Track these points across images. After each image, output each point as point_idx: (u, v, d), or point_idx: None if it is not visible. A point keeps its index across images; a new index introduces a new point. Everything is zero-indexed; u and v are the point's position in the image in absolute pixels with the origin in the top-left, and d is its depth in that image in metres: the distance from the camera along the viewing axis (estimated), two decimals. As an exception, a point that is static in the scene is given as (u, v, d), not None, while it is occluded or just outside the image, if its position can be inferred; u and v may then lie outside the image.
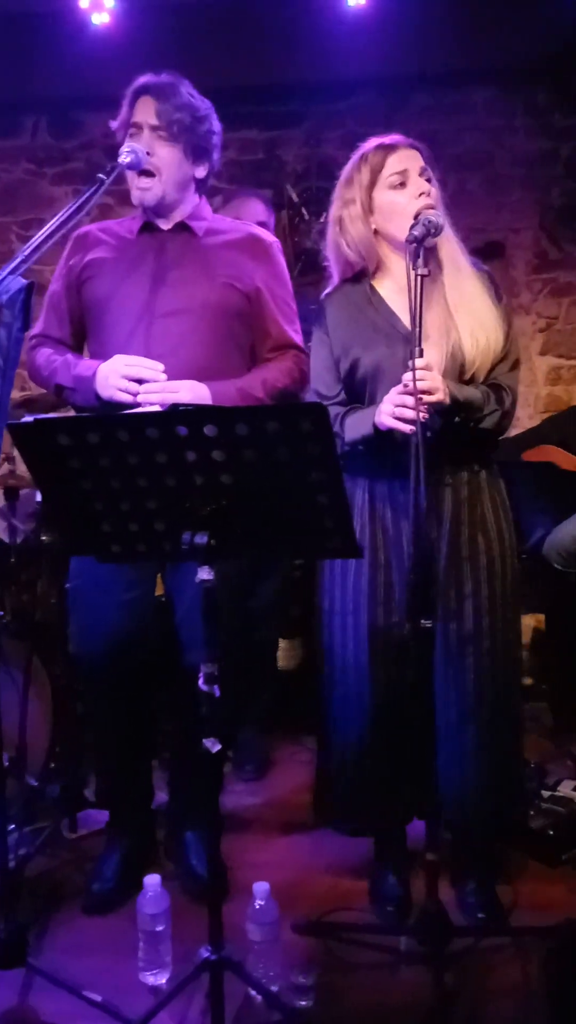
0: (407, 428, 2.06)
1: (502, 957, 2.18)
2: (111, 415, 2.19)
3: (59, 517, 1.94)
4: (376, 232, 2.29)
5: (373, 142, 2.29)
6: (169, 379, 2.28)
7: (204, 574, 1.76)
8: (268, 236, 2.60)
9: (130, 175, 2.38)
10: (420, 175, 2.25)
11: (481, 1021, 2.02)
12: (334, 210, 2.34)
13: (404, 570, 2.26)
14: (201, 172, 2.48)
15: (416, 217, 2.17)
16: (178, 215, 2.47)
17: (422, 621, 2.03)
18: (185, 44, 3.92)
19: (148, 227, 2.48)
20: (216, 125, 2.46)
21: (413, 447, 2.01)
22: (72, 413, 2.64)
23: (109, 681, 2.46)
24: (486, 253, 4.45)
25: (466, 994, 2.07)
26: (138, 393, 2.26)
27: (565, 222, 4.69)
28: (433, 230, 2.14)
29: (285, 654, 3.66)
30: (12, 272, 1.98)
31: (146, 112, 2.38)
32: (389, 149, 2.26)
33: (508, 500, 2.37)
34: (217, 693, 1.79)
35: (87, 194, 2.15)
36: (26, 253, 2.01)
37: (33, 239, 2.05)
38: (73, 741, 2.86)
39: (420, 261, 2.06)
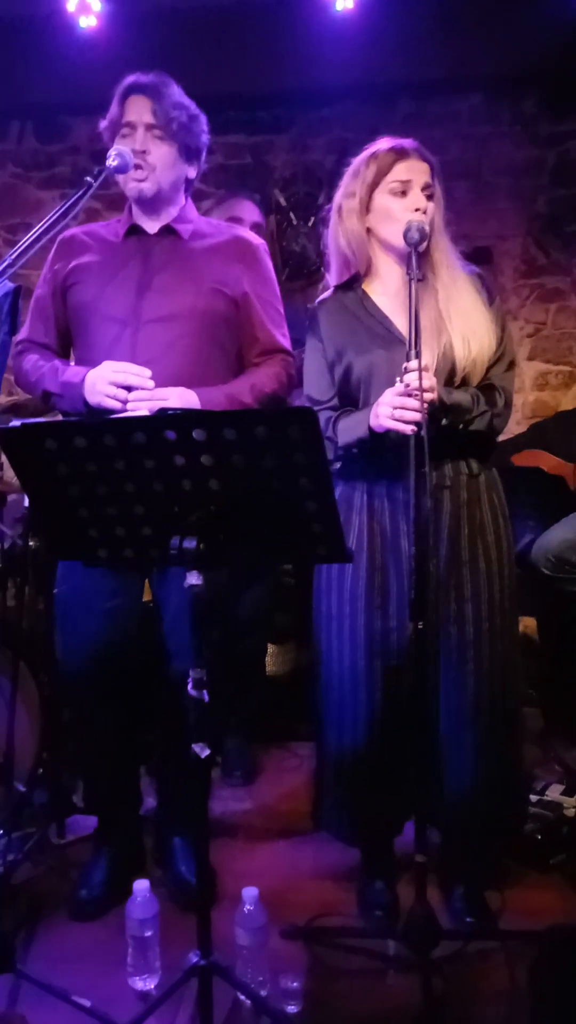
0: (407, 429, 2.06)
1: (490, 961, 2.18)
2: (99, 419, 2.19)
3: (46, 522, 1.93)
4: (369, 231, 2.31)
5: (388, 142, 2.29)
6: (156, 386, 2.27)
7: (193, 579, 1.76)
8: (255, 238, 2.58)
9: (122, 178, 2.38)
10: (422, 189, 2.26)
11: (469, 1025, 2.02)
12: (337, 197, 2.35)
13: (402, 573, 2.26)
14: (192, 172, 2.47)
15: (408, 224, 2.18)
16: (166, 216, 2.46)
17: (420, 624, 2.03)
18: (173, 49, 3.92)
19: (134, 230, 2.47)
20: (206, 125, 2.46)
21: (413, 447, 2.02)
22: (60, 418, 2.63)
23: (94, 689, 2.45)
24: (474, 259, 4.45)
25: (454, 998, 2.07)
26: (127, 400, 2.25)
27: (552, 229, 4.71)
28: (423, 237, 2.16)
29: (276, 659, 3.66)
30: (-2, 277, 1.97)
31: (140, 111, 2.36)
32: (400, 155, 2.26)
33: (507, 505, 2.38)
34: (206, 698, 1.78)
35: (74, 198, 2.15)
36: (12, 258, 2.01)
37: (19, 244, 2.04)
38: (61, 747, 2.85)
39: (415, 264, 2.10)
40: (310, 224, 4.65)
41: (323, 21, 3.94)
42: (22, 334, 2.55)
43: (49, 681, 2.82)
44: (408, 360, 2.06)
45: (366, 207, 2.29)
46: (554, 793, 2.82)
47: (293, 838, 2.79)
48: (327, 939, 2.28)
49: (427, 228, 2.19)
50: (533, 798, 2.77)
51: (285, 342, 2.54)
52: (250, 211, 3.60)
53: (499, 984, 2.11)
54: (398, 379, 2.09)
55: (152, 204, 2.44)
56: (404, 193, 2.25)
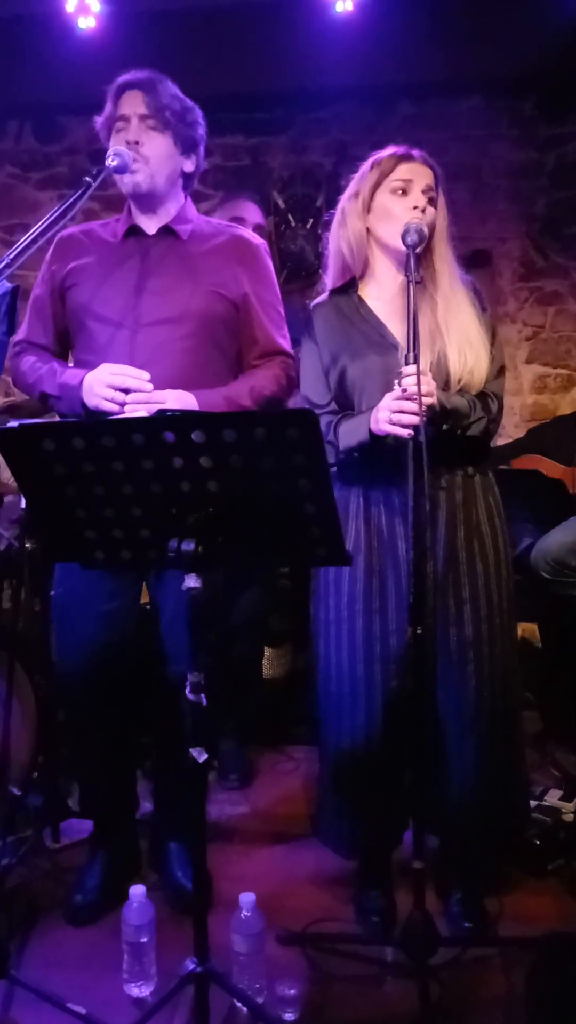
0: (405, 433, 2.05)
1: (488, 967, 2.17)
2: (97, 420, 2.17)
3: (43, 523, 1.92)
4: (368, 232, 2.30)
5: (393, 149, 2.30)
6: (155, 388, 2.25)
7: (191, 582, 1.74)
8: (255, 238, 2.56)
9: (119, 177, 2.36)
10: (423, 192, 2.26)
11: (467, 1032, 2.01)
12: (342, 200, 2.36)
13: (399, 577, 2.26)
14: (189, 166, 2.46)
15: (406, 225, 2.17)
16: (164, 215, 2.44)
17: (419, 628, 2.02)
18: (171, 49, 3.91)
19: (133, 231, 2.46)
20: (201, 119, 2.45)
21: (411, 451, 2.01)
22: (57, 419, 2.61)
23: (90, 692, 2.43)
24: (473, 262, 4.48)
25: (452, 1005, 2.06)
26: (124, 403, 2.23)
27: (551, 231, 4.71)
28: (422, 239, 2.16)
29: (272, 663, 3.65)
30: (-3, 276, 1.96)
31: (134, 104, 2.35)
32: (403, 158, 2.27)
33: (503, 508, 2.37)
34: (204, 702, 1.77)
35: (72, 198, 2.14)
36: (10, 258, 2.00)
37: (17, 244, 2.03)
38: (56, 750, 2.84)
39: (413, 266, 2.09)
40: (308, 225, 4.66)
41: (322, 22, 3.93)
42: (20, 335, 2.54)
43: (45, 683, 2.81)
44: (405, 364, 2.06)
45: (367, 206, 2.29)
46: (552, 798, 2.81)
47: (290, 842, 2.78)
48: (324, 945, 2.26)
49: (426, 231, 2.19)
50: (531, 803, 2.76)
51: (285, 344, 2.53)
52: (253, 212, 3.59)
53: (497, 990, 2.10)
54: (396, 383, 2.09)
55: (148, 200, 2.42)
56: (405, 192, 2.25)
